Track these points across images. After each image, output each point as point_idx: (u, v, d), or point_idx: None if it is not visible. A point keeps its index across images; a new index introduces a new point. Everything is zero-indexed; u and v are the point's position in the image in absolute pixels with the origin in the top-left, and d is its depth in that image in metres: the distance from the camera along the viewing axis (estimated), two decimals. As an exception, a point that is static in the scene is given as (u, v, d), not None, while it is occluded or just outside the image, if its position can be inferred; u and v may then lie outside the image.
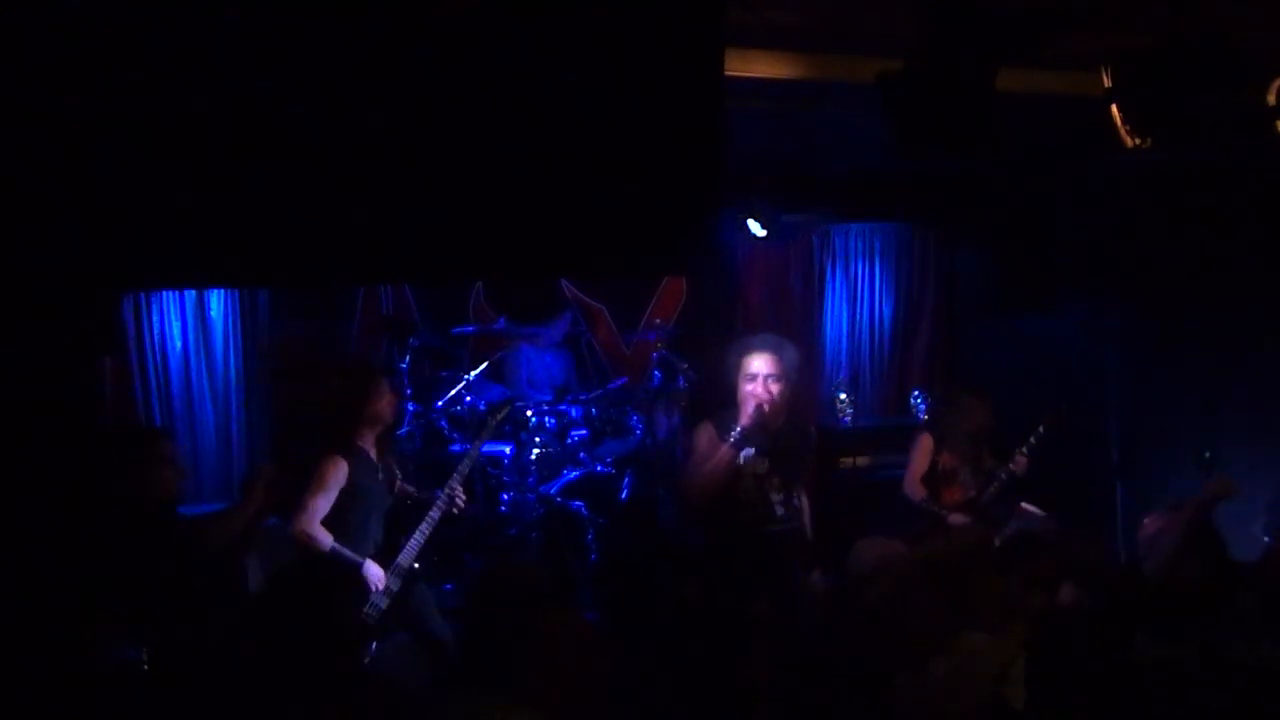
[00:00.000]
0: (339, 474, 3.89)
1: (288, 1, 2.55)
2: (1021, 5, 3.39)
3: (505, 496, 5.94)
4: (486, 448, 6.04)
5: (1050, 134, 4.95)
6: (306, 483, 3.87)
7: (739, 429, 3.96)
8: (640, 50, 2.83)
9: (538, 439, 5.94)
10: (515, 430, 5.94)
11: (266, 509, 3.77)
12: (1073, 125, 4.31)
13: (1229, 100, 3.64)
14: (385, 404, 4.10)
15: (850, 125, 5.13)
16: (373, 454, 4.08)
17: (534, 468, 5.88)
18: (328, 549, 3.83)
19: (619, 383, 6.67)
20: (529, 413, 5.95)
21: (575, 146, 2.83)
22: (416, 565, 4.02)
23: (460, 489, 4.13)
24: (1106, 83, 3.60)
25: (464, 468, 4.20)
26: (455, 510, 4.12)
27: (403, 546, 4.00)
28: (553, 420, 6.03)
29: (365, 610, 3.89)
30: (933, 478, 5.15)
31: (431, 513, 4.05)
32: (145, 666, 3.15)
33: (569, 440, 6.06)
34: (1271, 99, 3.79)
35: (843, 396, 6.85)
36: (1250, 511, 4.96)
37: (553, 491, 5.83)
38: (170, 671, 3.14)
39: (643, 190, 2.93)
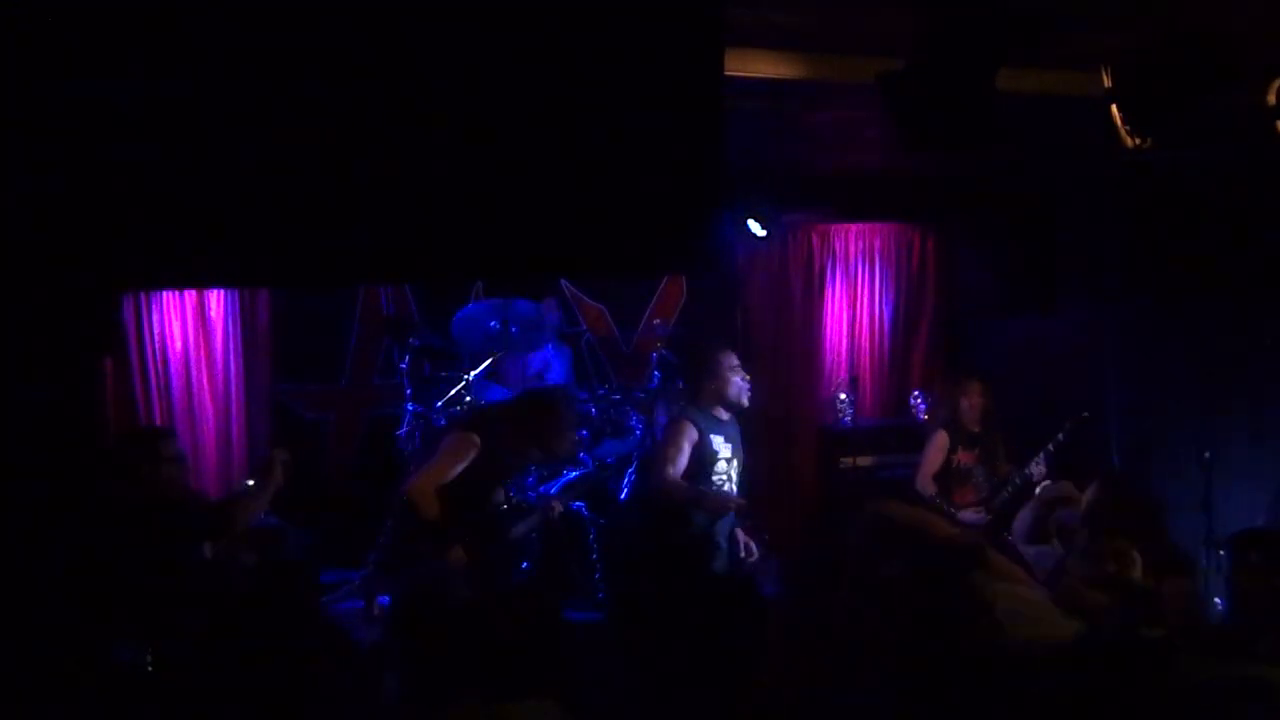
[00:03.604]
0: (470, 452, 4.04)
1: (290, 3, 2.55)
2: (1021, 5, 3.39)
3: (505, 497, 5.93)
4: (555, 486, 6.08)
5: (1050, 134, 4.95)
6: (438, 451, 4.17)
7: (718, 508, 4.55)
8: (640, 50, 2.84)
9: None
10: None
11: (281, 490, 3.83)
12: (1073, 125, 4.31)
13: (1229, 100, 3.65)
14: (564, 441, 4.48)
15: (850, 125, 5.13)
16: (511, 460, 4.37)
17: (534, 468, 5.87)
18: (431, 517, 4.02)
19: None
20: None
21: (575, 146, 2.83)
22: None
23: (559, 505, 4.69)
24: (1106, 83, 3.60)
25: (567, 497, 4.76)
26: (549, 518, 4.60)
27: None
28: (553, 420, 6.02)
29: None
30: (945, 476, 5.15)
31: (519, 526, 4.27)
32: (149, 666, 3.15)
33: (569, 440, 6.05)
34: (1271, 99, 3.79)
35: (843, 396, 6.86)
36: (1251, 511, 4.95)
37: (553, 491, 5.83)
38: (174, 671, 3.15)
39: (643, 190, 2.93)
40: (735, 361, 4.67)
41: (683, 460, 4.56)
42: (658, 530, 4.67)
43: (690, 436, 4.56)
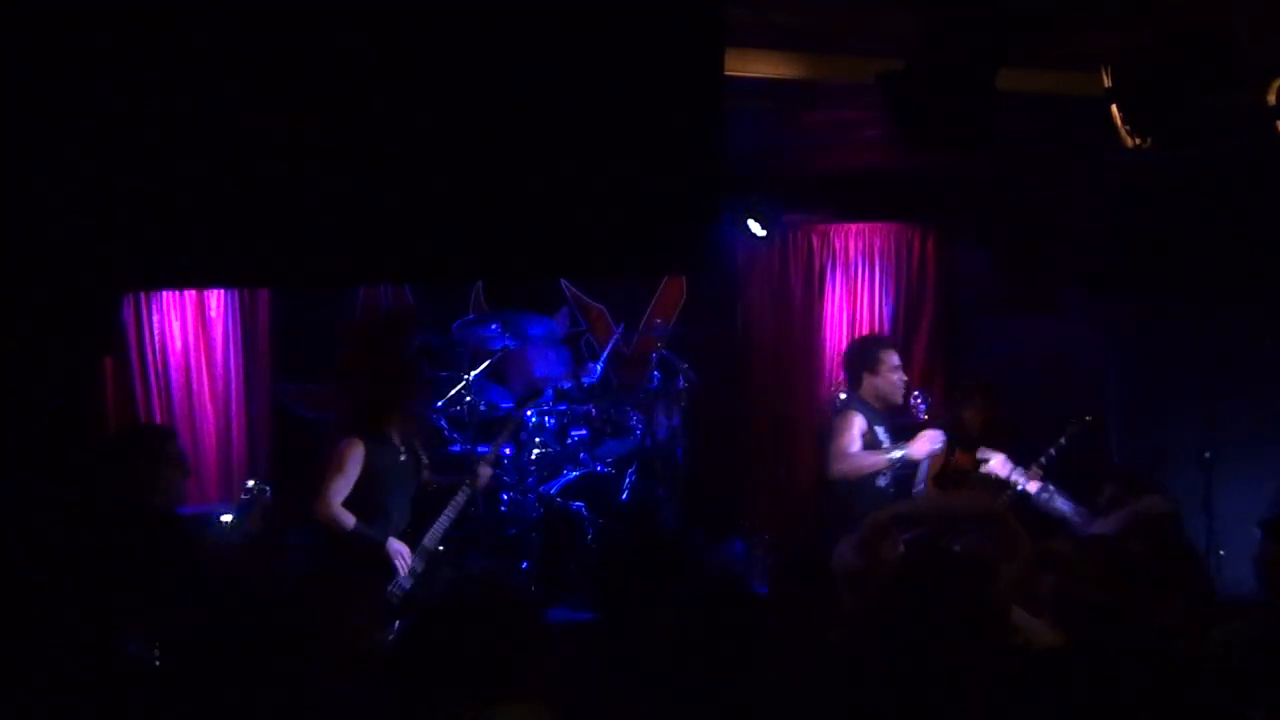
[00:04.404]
0: (356, 457, 3.98)
1: (290, 3, 2.55)
2: (1021, 5, 3.39)
3: (505, 496, 5.93)
4: (486, 448, 6.05)
5: (1050, 134, 4.95)
6: (326, 466, 3.95)
7: (915, 459, 4.71)
8: (640, 50, 2.84)
9: (538, 439, 5.94)
10: (515, 430, 5.94)
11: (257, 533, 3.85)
12: (1073, 125, 4.31)
13: (1229, 100, 3.64)
14: (417, 389, 4.19)
15: (850, 125, 5.13)
16: (395, 437, 4.13)
17: (534, 468, 5.88)
18: (350, 529, 3.93)
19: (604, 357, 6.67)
20: (529, 413, 5.95)
21: (576, 147, 2.83)
22: (441, 548, 4.08)
23: (487, 472, 4.35)
24: (1106, 83, 3.59)
25: (491, 456, 4.31)
26: (478, 487, 4.33)
27: (428, 529, 4.08)
28: (553, 420, 6.03)
29: (390, 589, 3.95)
30: (944, 479, 5.13)
31: (457, 496, 4.17)
32: (156, 663, 3.16)
33: (569, 440, 6.06)
34: (1271, 99, 3.79)
35: (843, 396, 6.85)
36: (1251, 511, 4.95)
37: (553, 491, 5.83)
38: (181, 667, 3.15)
39: (643, 190, 2.93)
40: (897, 361, 4.94)
41: (856, 446, 4.79)
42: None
43: (860, 426, 4.79)
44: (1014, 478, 4.56)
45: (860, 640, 2.50)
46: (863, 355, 5.09)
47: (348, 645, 2.43)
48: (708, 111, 2.95)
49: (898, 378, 4.92)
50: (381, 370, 4.26)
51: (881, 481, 4.81)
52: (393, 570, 3.98)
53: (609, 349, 6.70)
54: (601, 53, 2.80)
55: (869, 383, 4.94)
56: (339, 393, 4.41)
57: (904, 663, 2.23)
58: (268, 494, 3.99)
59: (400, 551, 4.00)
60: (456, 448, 5.85)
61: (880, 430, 4.87)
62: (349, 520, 3.94)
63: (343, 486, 3.97)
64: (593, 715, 2.32)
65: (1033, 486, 4.49)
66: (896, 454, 4.67)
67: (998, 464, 4.65)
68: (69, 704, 2.82)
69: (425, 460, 4.35)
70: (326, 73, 2.59)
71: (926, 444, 4.68)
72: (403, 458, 4.15)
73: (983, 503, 3.54)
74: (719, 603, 2.36)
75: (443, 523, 4.11)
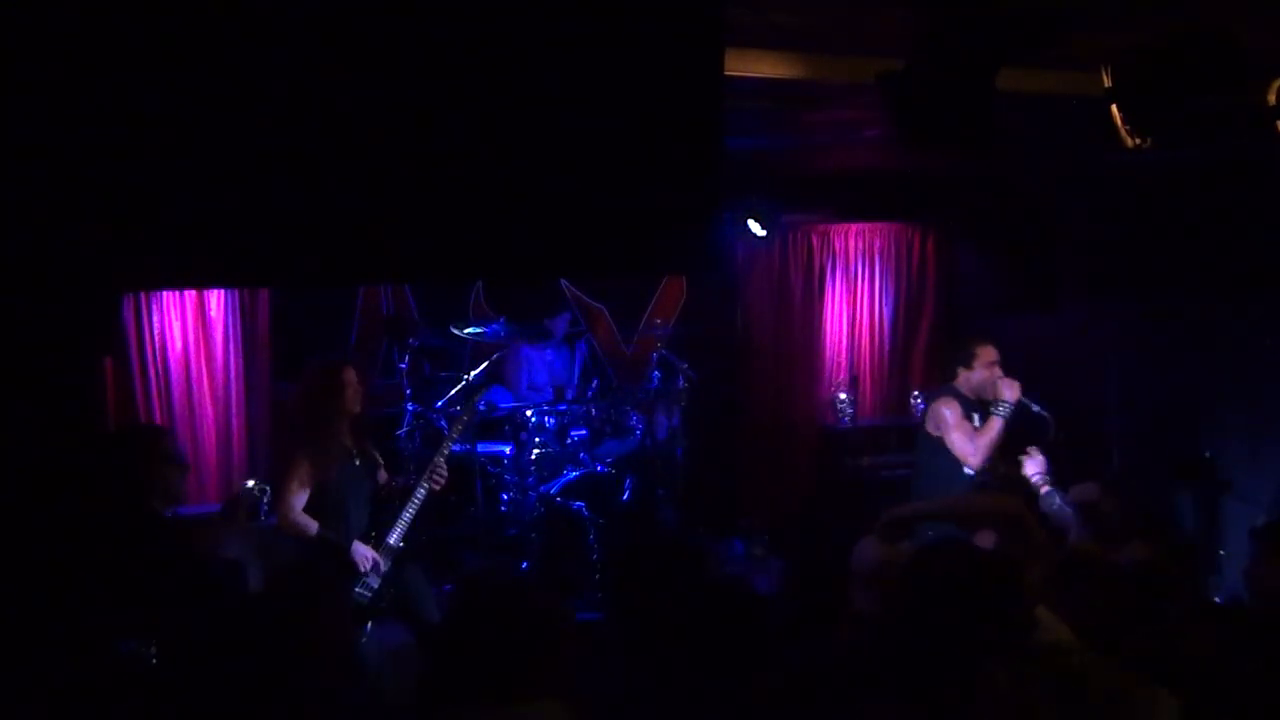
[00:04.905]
0: (306, 468, 4.03)
1: (288, 2, 2.55)
2: (1021, 5, 3.39)
3: (505, 496, 5.94)
4: (486, 447, 6.06)
5: (1050, 134, 4.95)
6: (282, 476, 3.99)
7: (1011, 404, 4.68)
8: (640, 50, 2.83)
9: (538, 439, 5.94)
10: (515, 430, 5.94)
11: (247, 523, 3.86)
12: (1073, 125, 4.31)
13: (1229, 100, 3.64)
14: (351, 394, 4.19)
15: (850, 125, 5.14)
16: (347, 440, 4.16)
17: (534, 468, 5.88)
18: (314, 534, 3.99)
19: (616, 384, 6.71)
20: (529, 413, 5.95)
21: (575, 146, 2.83)
22: (402, 544, 4.11)
23: (443, 468, 4.29)
24: (1106, 83, 3.59)
25: (445, 448, 4.32)
26: (437, 486, 4.27)
27: (391, 528, 4.11)
28: (553, 420, 6.03)
29: (358, 590, 3.99)
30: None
31: (417, 491, 4.18)
32: (154, 660, 3.16)
33: (569, 440, 6.06)
34: (1271, 99, 3.79)
35: (843, 396, 6.87)
36: (1252, 510, 4.96)
37: (553, 491, 5.84)
38: (178, 665, 3.16)
39: (643, 190, 2.93)
40: (995, 357, 4.89)
41: (969, 427, 4.75)
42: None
43: (959, 409, 4.80)
44: (1036, 480, 4.53)
45: (873, 638, 2.50)
46: (957, 351, 5.09)
47: (322, 646, 2.44)
48: (708, 111, 2.95)
49: (993, 373, 4.92)
50: (318, 384, 4.25)
51: (969, 471, 4.80)
52: (358, 572, 4.03)
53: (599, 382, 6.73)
54: (601, 53, 2.80)
55: (964, 377, 4.96)
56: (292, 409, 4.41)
57: (921, 660, 2.22)
58: (268, 493, 3.99)
59: (365, 555, 4.05)
60: (456, 447, 5.83)
61: (976, 418, 4.87)
62: (312, 526, 4.00)
63: (301, 495, 4.02)
64: (597, 715, 2.32)
65: (1044, 489, 4.48)
66: (1005, 407, 4.69)
67: (1034, 466, 4.58)
68: (68, 703, 2.82)
69: (380, 462, 4.38)
70: (327, 73, 2.59)
71: (1015, 387, 4.73)
72: (356, 462, 4.19)
73: (1004, 504, 3.51)
74: (723, 602, 2.35)
75: (404, 521, 4.15)
